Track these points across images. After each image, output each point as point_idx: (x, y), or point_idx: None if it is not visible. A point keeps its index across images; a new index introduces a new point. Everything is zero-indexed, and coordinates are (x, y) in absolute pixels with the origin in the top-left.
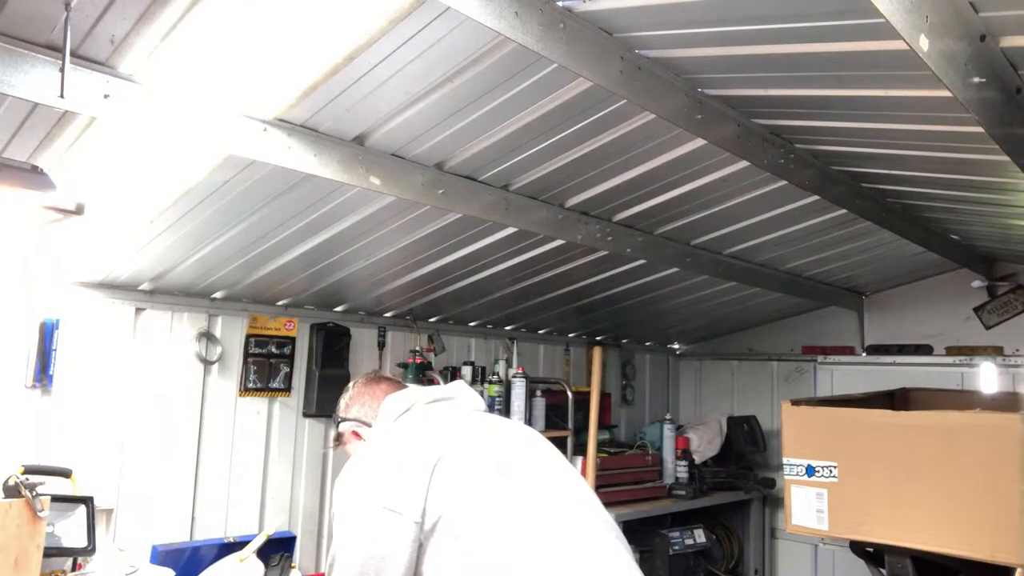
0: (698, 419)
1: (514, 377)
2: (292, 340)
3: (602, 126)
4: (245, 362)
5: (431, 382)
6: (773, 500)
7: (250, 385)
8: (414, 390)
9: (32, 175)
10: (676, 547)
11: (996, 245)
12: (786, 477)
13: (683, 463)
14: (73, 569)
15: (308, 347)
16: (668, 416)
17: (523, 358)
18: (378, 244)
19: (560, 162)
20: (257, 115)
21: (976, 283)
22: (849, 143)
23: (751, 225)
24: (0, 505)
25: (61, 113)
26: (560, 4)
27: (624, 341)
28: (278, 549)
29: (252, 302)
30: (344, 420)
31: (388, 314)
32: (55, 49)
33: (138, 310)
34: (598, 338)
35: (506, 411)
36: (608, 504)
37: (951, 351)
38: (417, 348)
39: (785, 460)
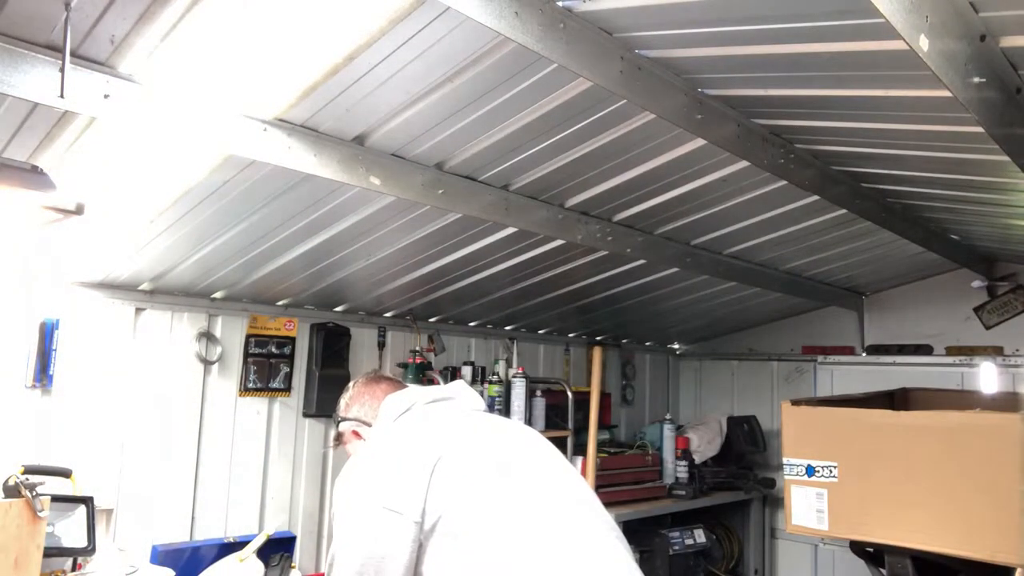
0: (698, 419)
1: (514, 377)
2: (292, 340)
3: (602, 126)
4: (245, 362)
5: (431, 382)
6: (773, 500)
7: (250, 385)
8: (414, 390)
9: (32, 175)
10: (676, 547)
11: (996, 245)
12: (786, 477)
13: (683, 463)
14: (73, 569)
15: (308, 347)
16: (668, 416)
17: (523, 358)
18: (378, 244)
19: (560, 162)
20: (257, 115)
21: (976, 283)
22: (849, 143)
23: (751, 225)
24: (0, 505)
25: (61, 113)
26: (560, 4)
27: (624, 341)
28: (278, 549)
29: (252, 302)
30: (344, 420)
31: (388, 314)
32: (55, 49)
33: (138, 310)
34: (598, 338)
35: (506, 411)
36: (608, 504)
37: (951, 351)
38: (417, 348)
39: (785, 460)
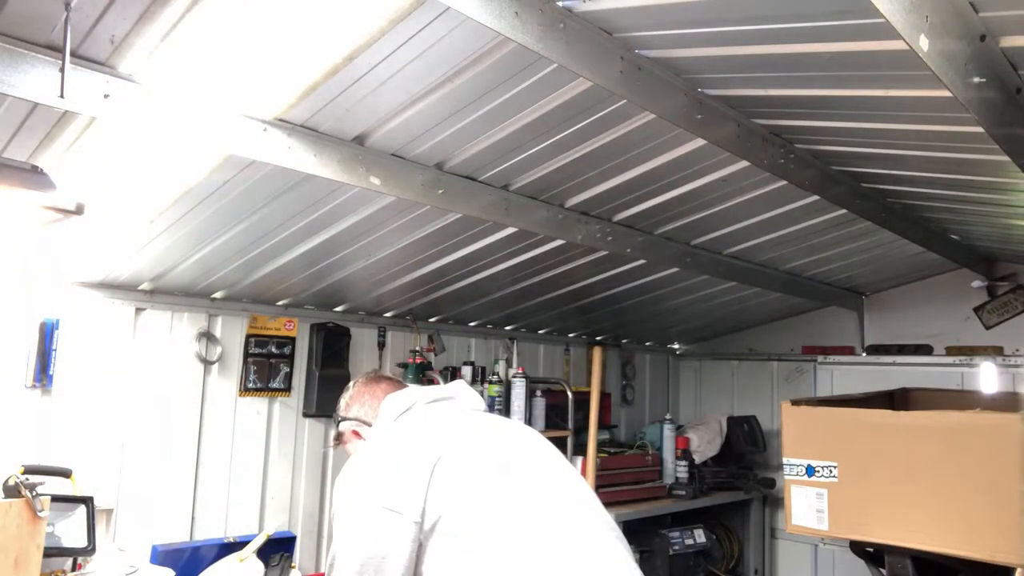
0: (698, 419)
1: (514, 377)
2: (292, 340)
3: (602, 126)
4: (245, 362)
5: (431, 382)
6: (773, 500)
7: (250, 385)
8: (414, 390)
9: (32, 175)
10: (676, 547)
11: (996, 245)
12: (786, 477)
13: (683, 463)
14: (73, 569)
15: (308, 347)
16: (668, 416)
17: (523, 358)
18: (378, 244)
19: (560, 162)
20: (257, 115)
21: (976, 283)
22: (849, 143)
23: (751, 225)
24: (0, 505)
25: (61, 113)
26: (560, 4)
27: (624, 341)
28: (278, 549)
29: (252, 302)
30: (344, 419)
31: (388, 314)
32: (55, 49)
33: (138, 310)
34: (598, 338)
35: (506, 411)
36: (608, 504)
37: (951, 351)
38: (417, 348)
39: (785, 460)
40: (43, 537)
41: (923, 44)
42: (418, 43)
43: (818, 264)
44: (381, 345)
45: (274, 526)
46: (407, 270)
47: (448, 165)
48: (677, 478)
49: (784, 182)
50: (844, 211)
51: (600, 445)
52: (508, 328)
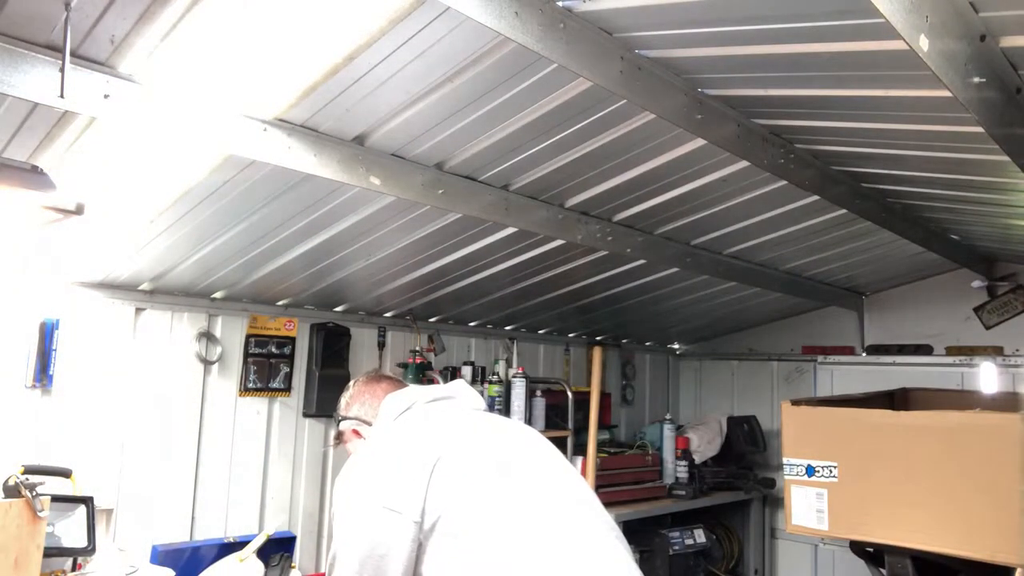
0: (698, 419)
1: (514, 377)
2: (292, 340)
3: (602, 126)
4: (245, 362)
5: (431, 382)
6: (773, 500)
7: (250, 385)
8: (414, 389)
9: (32, 175)
10: (676, 547)
11: (996, 245)
12: (786, 477)
13: (683, 463)
14: (73, 569)
15: (308, 347)
16: (668, 416)
17: (523, 358)
18: (378, 244)
19: (560, 162)
20: (257, 115)
21: (976, 283)
22: (849, 143)
23: (751, 225)
24: (0, 505)
25: (61, 113)
26: (560, 4)
27: (624, 341)
28: (278, 549)
29: (252, 302)
30: (345, 419)
31: (388, 314)
32: (55, 49)
33: (138, 310)
34: (598, 338)
35: (506, 411)
36: (608, 504)
37: (951, 351)
38: (417, 348)
39: (785, 460)
40: (43, 537)
41: (923, 44)
42: (418, 43)
43: (818, 264)
44: (381, 345)
45: (274, 526)
46: (407, 270)
47: (448, 165)
48: (677, 478)
49: (784, 182)
50: (844, 211)
51: (600, 445)
52: (508, 328)
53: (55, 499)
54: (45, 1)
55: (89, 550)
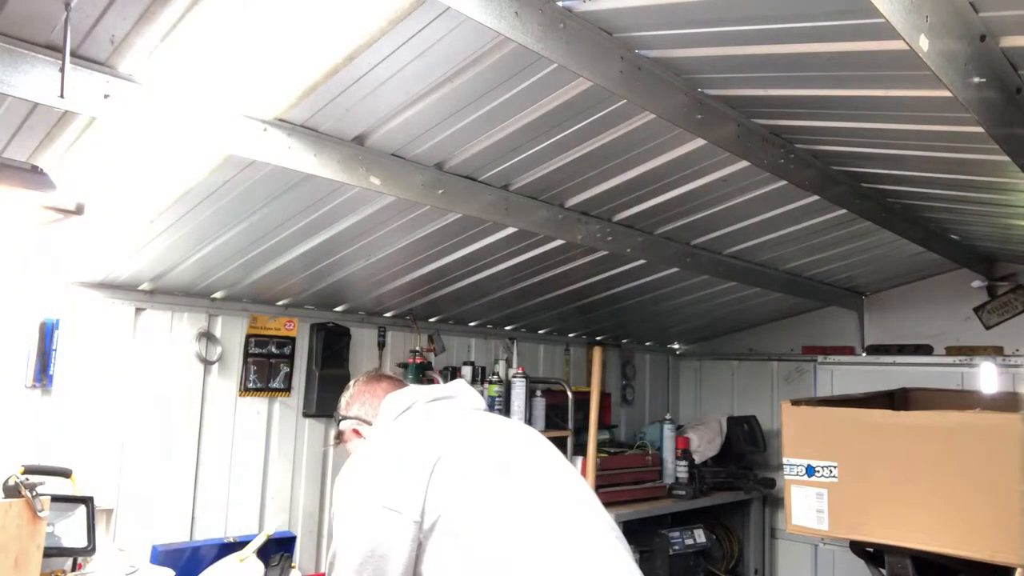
0: (698, 419)
1: (514, 377)
2: (292, 340)
3: (602, 126)
4: (245, 362)
5: (431, 382)
6: (773, 500)
7: (250, 385)
8: (415, 389)
9: (32, 175)
10: (676, 547)
11: (996, 245)
12: (786, 477)
13: (683, 463)
14: (73, 569)
15: (308, 347)
16: (668, 416)
17: (523, 358)
18: (378, 244)
19: (560, 162)
20: (257, 115)
21: (976, 283)
22: (849, 143)
23: (751, 225)
24: (0, 505)
25: (61, 113)
26: (560, 4)
27: (624, 341)
28: (278, 549)
29: (252, 302)
30: (345, 418)
31: (388, 314)
32: (55, 49)
33: (138, 310)
34: (598, 338)
35: (506, 411)
36: (608, 504)
37: (951, 351)
38: (417, 348)
39: (785, 460)
40: (43, 537)
41: (923, 44)
42: (418, 43)
43: (818, 264)
44: (381, 345)
45: (274, 526)
46: (407, 270)
47: (448, 165)
48: (677, 478)
49: (784, 182)
50: (844, 211)
51: (600, 445)
52: (508, 328)
53: (55, 499)
54: (45, 1)
55: (89, 550)
